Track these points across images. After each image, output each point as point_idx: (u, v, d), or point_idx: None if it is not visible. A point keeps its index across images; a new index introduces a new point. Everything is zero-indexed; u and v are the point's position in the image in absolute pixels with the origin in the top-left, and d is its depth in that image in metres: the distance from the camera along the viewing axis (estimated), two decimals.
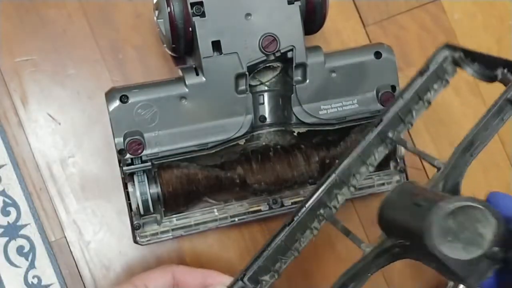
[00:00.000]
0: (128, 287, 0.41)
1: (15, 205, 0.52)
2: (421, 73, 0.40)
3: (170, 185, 0.47)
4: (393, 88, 0.50)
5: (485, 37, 0.61)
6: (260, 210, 0.50)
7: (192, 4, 0.45)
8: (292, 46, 0.46)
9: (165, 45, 0.48)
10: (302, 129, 0.49)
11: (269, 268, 0.39)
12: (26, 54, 0.53)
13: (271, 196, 0.51)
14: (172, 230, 0.49)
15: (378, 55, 0.49)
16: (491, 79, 0.39)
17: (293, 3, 0.46)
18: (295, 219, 0.39)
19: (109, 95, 0.46)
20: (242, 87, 0.47)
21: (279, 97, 0.49)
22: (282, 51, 0.46)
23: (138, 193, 0.46)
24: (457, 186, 0.37)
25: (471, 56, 0.39)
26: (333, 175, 0.39)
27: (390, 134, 0.40)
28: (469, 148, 0.37)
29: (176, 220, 0.49)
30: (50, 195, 0.53)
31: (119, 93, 0.45)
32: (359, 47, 0.50)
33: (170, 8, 0.45)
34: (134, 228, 0.48)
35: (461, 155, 0.37)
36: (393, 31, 0.58)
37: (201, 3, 0.45)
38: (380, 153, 0.40)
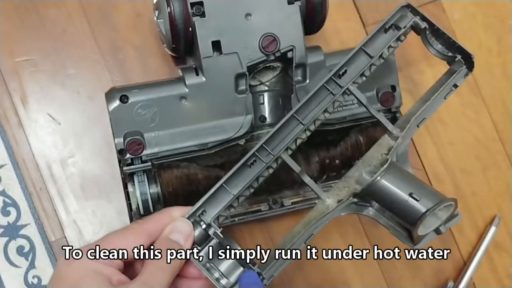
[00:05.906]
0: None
1: (15, 205, 0.52)
2: (386, 30, 0.42)
3: (170, 185, 0.47)
4: (393, 88, 0.50)
5: (485, 37, 0.61)
6: (260, 210, 0.50)
7: (192, 4, 0.45)
8: (292, 46, 0.46)
9: (165, 45, 0.48)
10: None
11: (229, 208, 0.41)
12: (26, 54, 0.53)
13: (271, 196, 0.51)
14: None
15: None
16: (448, 60, 0.44)
17: (293, 3, 0.46)
18: (257, 171, 0.40)
19: (109, 95, 0.46)
20: (242, 87, 0.47)
21: (279, 97, 0.49)
22: (282, 51, 0.46)
23: (138, 193, 0.46)
24: (406, 154, 0.44)
25: (436, 35, 0.43)
26: (301, 127, 0.41)
27: (350, 87, 0.42)
28: (419, 122, 0.44)
29: None
30: (50, 195, 0.53)
31: (119, 93, 0.45)
32: None
33: (170, 8, 0.45)
34: None
35: (413, 128, 0.43)
36: None
37: (201, 3, 0.45)
38: (337, 101, 0.42)
